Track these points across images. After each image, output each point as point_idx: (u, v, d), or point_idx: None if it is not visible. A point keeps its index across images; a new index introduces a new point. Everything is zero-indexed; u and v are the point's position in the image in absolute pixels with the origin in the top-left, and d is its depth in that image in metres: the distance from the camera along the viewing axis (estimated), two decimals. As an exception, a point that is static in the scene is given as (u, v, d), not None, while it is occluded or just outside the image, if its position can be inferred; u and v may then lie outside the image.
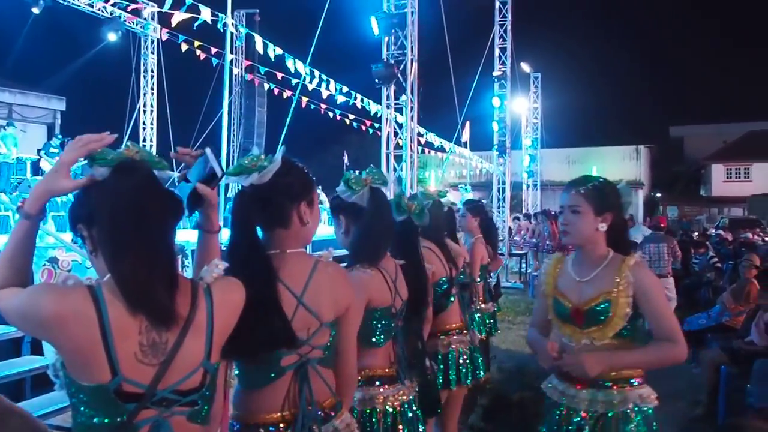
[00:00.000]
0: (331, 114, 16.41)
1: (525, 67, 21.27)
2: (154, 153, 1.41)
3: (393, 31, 8.03)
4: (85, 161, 1.34)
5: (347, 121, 16.53)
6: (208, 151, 1.46)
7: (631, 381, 2.20)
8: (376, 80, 7.98)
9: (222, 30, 8.38)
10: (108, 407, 1.26)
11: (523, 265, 14.78)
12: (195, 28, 10.12)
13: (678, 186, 44.24)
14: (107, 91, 20.75)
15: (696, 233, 16.43)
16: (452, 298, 3.27)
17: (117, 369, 1.24)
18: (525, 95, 21.44)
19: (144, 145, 16.87)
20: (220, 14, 8.71)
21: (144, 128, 16.67)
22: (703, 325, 6.85)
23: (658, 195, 41.71)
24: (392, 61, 8.06)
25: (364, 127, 16.67)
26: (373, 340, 2.28)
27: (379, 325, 2.26)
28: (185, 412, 1.34)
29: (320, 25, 7.75)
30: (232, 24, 8.32)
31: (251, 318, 1.50)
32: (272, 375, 1.69)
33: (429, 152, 22.25)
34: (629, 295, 2.15)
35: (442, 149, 21.49)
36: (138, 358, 1.27)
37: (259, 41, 10.70)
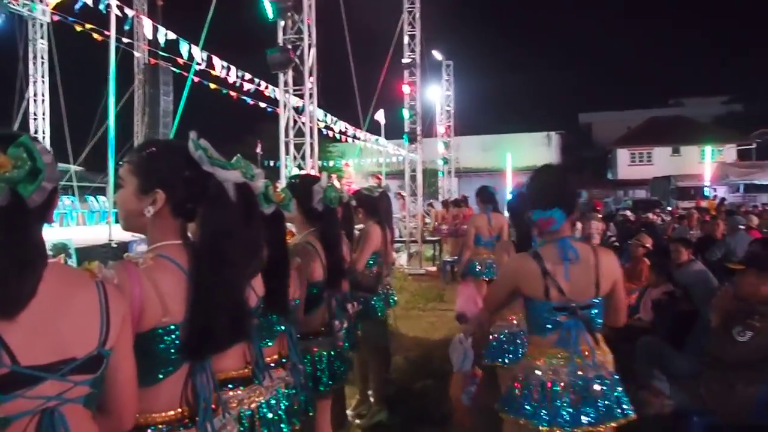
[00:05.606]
0: (238, 100, 15.80)
1: (436, 54, 21.42)
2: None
3: (289, 15, 7.79)
4: None
5: (261, 107, 15.97)
6: None
7: None
8: (272, 66, 7.73)
9: (106, 12, 7.83)
10: None
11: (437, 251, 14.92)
12: (77, 11, 9.44)
13: (587, 170, 46.04)
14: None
15: (600, 215, 17.05)
16: (322, 302, 3.14)
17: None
18: (438, 83, 21.61)
19: (35, 137, 15.78)
20: (102, -7, 8.17)
21: (35, 119, 15.59)
22: (600, 305, 7.03)
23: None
24: (289, 46, 7.82)
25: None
26: None
27: None
28: None
29: (212, 8, 7.41)
30: (117, 5, 7.83)
31: None
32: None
33: (345, 141, 22.07)
34: None
35: (357, 137, 21.37)
36: None
37: (148, 25, 10.12)
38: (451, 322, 8.37)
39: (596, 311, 2.50)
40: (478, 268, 6.34)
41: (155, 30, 10.24)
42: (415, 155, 17.08)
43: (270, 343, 2.47)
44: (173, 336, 1.60)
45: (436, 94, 21.27)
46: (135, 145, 16.25)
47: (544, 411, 2.38)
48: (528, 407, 2.41)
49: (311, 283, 2.99)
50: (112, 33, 7.28)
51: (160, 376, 1.61)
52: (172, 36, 10.10)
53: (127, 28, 10.94)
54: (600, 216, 11.39)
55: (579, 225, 11.47)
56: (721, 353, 3.61)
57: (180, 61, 11.92)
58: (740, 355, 3.51)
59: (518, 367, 2.59)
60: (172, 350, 1.60)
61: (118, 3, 8.13)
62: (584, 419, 2.36)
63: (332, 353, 3.13)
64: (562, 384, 2.40)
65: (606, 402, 2.40)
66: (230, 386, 2.12)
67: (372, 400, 4.99)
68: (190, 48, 10.04)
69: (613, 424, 2.42)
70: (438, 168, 23.10)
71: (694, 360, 4.09)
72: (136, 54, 15.48)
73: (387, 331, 5.62)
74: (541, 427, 2.37)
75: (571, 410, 2.37)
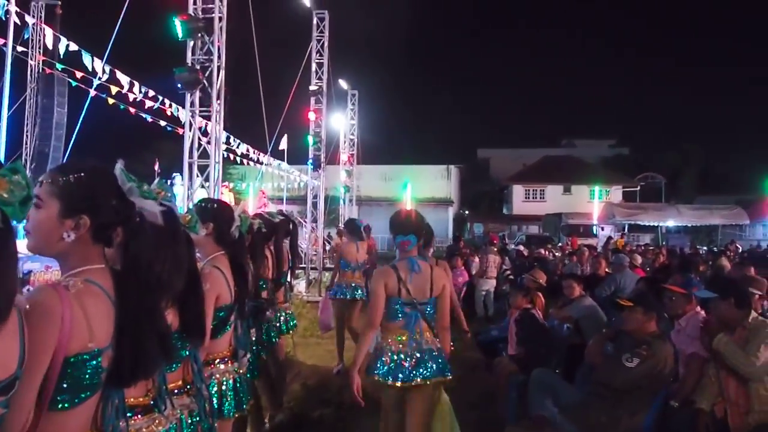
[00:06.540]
0: (137, 116, 15.24)
1: (342, 83, 21.67)
2: None
3: (199, 35, 7.68)
4: None
5: (161, 126, 15.47)
6: None
7: None
8: (179, 85, 7.57)
9: (4, 18, 7.40)
10: None
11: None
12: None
13: (483, 204, 47.79)
14: None
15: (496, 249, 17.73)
16: (228, 327, 3.10)
17: None
18: (342, 111, 21.84)
19: None
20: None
21: None
22: (495, 337, 7.27)
23: (466, 212, 44.69)
24: (197, 67, 7.69)
25: (180, 132, 15.66)
26: None
27: None
28: None
29: (119, 22, 7.16)
30: (16, 12, 7.41)
31: None
32: None
33: (247, 164, 21.74)
34: None
35: (260, 161, 21.10)
36: None
37: (49, 34, 9.60)
38: (348, 351, 8.36)
39: (430, 307, 3.63)
40: (345, 289, 7.21)
41: (56, 40, 9.73)
42: (318, 182, 17.12)
43: (174, 368, 2.42)
44: (96, 361, 1.58)
45: (341, 123, 21.48)
46: (23, 155, 15.29)
47: (391, 371, 3.51)
48: (382, 369, 3.54)
49: (218, 307, 2.95)
50: (9, 40, 6.86)
51: (76, 401, 1.58)
52: (74, 47, 9.63)
53: (27, 36, 10.32)
54: (496, 250, 11.89)
55: (476, 259, 11.96)
56: (609, 378, 3.88)
57: (78, 73, 11.37)
58: (627, 380, 3.79)
59: (375, 345, 3.66)
60: (94, 375, 1.59)
61: (18, 10, 7.69)
62: (417, 375, 3.50)
63: (237, 379, 3.09)
64: (405, 353, 3.53)
65: (433, 366, 3.53)
66: (129, 415, 2.05)
67: (267, 426, 4.93)
68: (92, 60, 9.61)
69: (437, 380, 3.56)
70: (339, 195, 23.21)
71: (583, 390, 4.33)
72: (30, 62, 14.56)
73: (279, 359, 5.60)
74: (389, 382, 3.49)
75: (408, 371, 3.49)
